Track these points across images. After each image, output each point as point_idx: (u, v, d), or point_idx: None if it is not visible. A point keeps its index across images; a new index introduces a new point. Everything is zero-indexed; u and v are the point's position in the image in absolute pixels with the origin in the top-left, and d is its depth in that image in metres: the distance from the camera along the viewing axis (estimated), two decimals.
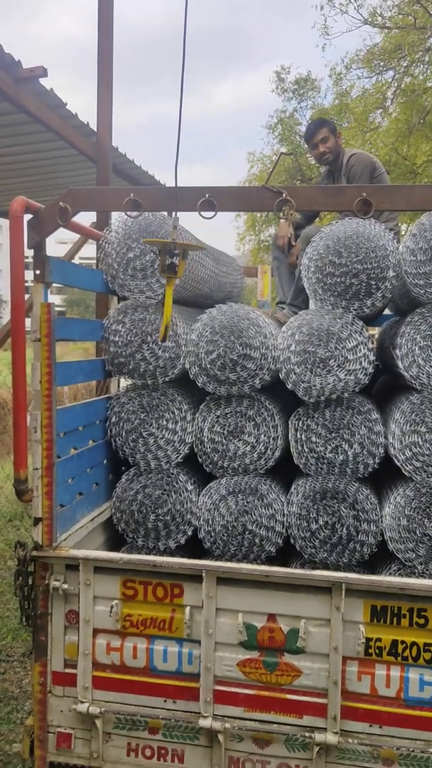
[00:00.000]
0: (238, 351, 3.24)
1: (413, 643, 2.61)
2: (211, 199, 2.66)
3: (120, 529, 3.46)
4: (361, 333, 3.18)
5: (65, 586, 2.82)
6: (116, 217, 3.49)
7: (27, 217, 2.75)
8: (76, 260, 6.74)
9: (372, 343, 3.22)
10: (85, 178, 7.27)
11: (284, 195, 2.63)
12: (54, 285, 3.05)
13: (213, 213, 2.71)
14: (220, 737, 2.71)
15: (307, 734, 2.67)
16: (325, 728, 2.66)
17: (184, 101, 2.58)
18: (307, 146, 5.79)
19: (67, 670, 2.85)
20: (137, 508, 3.43)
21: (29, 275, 2.83)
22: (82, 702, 2.81)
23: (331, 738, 2.64)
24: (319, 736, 2.65)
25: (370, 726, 2.65)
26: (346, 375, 3.15)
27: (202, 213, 2.70)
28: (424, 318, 3.13)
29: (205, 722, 2.71)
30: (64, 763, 2.87)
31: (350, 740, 2.65)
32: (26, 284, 2.82)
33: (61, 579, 2.82)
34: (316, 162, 7.24)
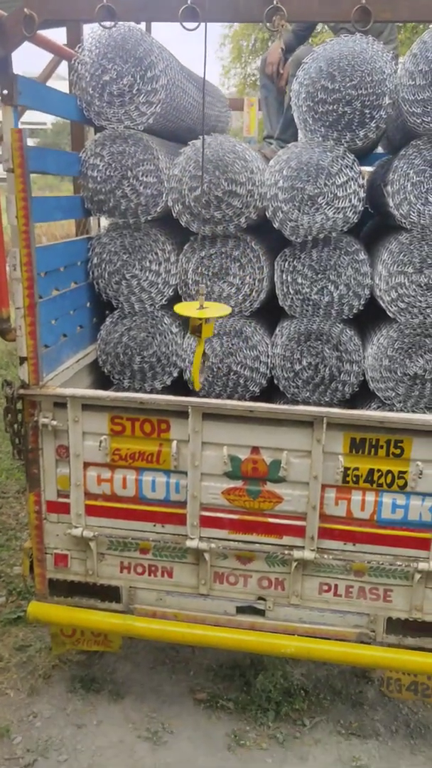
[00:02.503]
0: (224, 187, 3.09)
1: (388, 471, 2.76)
2: (194, 6, 2.39)
3: (106, 371, 3.50)
4: (351, 168, 3.03)
5: (54, 422, 2.89)
6: (89, 33, 3.15)
7: None
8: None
9: (363, 179, 3.08)
10: None
11: (275, 2, 2.37)
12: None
13: (196, 24, 2.45)
14: (206, 555, 2.93)
15: (286, 552, 2.90)
16: (303, 547, 2.88)
17: None
18: None
19: (61, 500, 3.01)
20: (122, 350, 3.44)
21: None
22: (76, 527, 3.00)
23: (308, 554, 2.87)
24: (297, 553, 2.88)
25: (344, 544, 2.88)
26: (334, 213, 3.04)
27: (185, 24, 2.44)
28: (419, 151, 2.98)
29: (191, 543, 2.92)
30: (62, 580, 3.12)
31: (326, 556, 2.89)
32: None
33: (50, 416, 2.89)
34: None
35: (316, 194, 3.02)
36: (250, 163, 3.10)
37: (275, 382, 3.33)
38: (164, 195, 3.21)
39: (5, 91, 2.51)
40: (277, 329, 3.33)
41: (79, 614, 3.10)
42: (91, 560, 3.04)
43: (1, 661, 3.54)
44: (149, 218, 3.27)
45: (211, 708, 3.30)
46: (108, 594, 3.09)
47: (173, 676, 3.51)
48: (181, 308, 2.64)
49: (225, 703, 3.32)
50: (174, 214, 3.20)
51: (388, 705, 3.36)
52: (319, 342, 3.23)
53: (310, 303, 3.21)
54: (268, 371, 3.31)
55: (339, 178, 3.02)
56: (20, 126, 2.66)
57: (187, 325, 3.38)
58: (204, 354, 2.65)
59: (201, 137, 2.91)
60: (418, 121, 2.93)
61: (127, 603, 3.08)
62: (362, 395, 3.34)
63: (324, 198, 3.02)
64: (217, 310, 2.65)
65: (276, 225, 3.10)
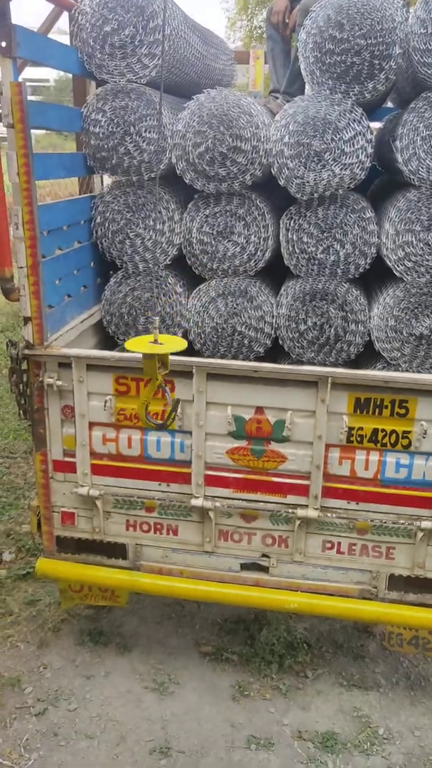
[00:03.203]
0: (228, 143, 3.03)
1: (393, 431, 2.77)
2: None
3: (110, 331, 3.49)
4: (359, 122, 2.95)
5: (59, 383, 2.90)
6: None
7: None
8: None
9: (371, 134, 3.01)
10: None
11: None
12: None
13: None
14: (211, 514, 2.97)
15: (290, 510, 2.93)
16: (307, 505, 2.91)
17: None
18: None
19: (67, 459, 3.04)
20: (126, 310, 3.43)
21: None
22: (82, 486, 3.04)
23: (311, 513, 2.90)
24: (301, 512, 2.91)
25: (348, 503, 2.91)
26: (341, 169, 2.98)
27: None
28: (430, 104, 2.90)
29: (196, 502, 2.96)
30: (69, 537, 3.17)
31: (329, 515, 2.92)
32: None
33: (55, 376, 2.90)
34: None
35: (323, 150, 2.95)
36: (255, 117, 3.03)
37: (280, 342, 3.31)
38: (168, 151, 3.15)
39: (3, 43, 2.44)
40: (282, 289, 3.30)
41: (87, 570, 3.16)
42: (98, 518, 3.09)
43: (12, 615, 3.63)
44: (153, 176, 3.21)
45: (216, 660, 3.39)
46: (114, 551, 3.14)
47: (179, 630, 3.60)
48: (132, 344, 2.26)
49: (229, 655, 3.41)
50: (178, 171, 3.14)
51: (389, 658, 3.44)
52: (325, 302, 3.20)
53: (316, 262, 3.17)
54: (272, 331, 3.30)
55: (346, 133, 2.95)
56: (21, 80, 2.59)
57: (193, 286, 3.38)
58: (176, 402, 2.31)
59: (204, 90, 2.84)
60: (430, 72, 2.85)
61: (133, 560, 3.14)
62: (367, 356, 3.32)
63: (331, 154, 2.96)
64: (173, 344, 2.25)
65: (281, 182, 3.05)
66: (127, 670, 3.33)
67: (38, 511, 3.17)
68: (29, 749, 2.91)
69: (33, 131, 2.67)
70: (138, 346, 2.22)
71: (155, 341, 2.21)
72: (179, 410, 2.85)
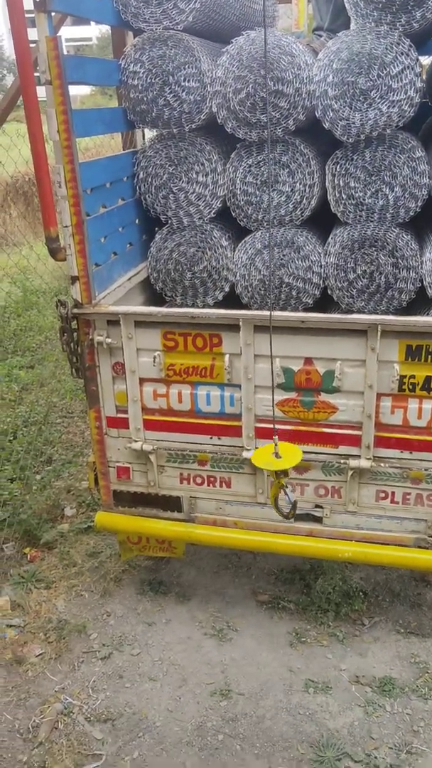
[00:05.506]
0: (270, 87, 2.93)
1: None
2: None
3: (158, 288, 3.50)
4: (407, 54, 2.80)
5: (108, 340, 2.94)
6: None
7: None
8: None
9: (420, 66, 2.85)
10: None
11: None
12: None
13: None
14: None
15: (342, 461, 2.92)
16: (359, 455, 2.89)
17: None
18: None
19: (120, 415, 3.10)
20: (173, 266, 3.42)
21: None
22: (135, 441, 3.10)
23: (364, 463, 2.88)
24: (353, 462, 2.90)
25: (401, 452, 2.87)
26: (389, 107, 2.85)
27: None
28: None
29: (248, 454, 2.98)
30: (125, 491, 3.26)
31: (382, 464, 2.89)
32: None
33: (104, 334, 2.94)
34: None
35: (369, 87, 2.82)
36: (297, 58, 2.92)
37: (329, 292, 3.25)
38: (208, 100, 3.07)
39: None
40: (330, 237, 3.21)
41: (143, 522, 3.26)
42: (152, 472, 3.15)
43: (75, 567, 3.79)
44: (194, 126, 3.15)
45: (273, 609, 3.46)
46: (169, 504, 3.22)
47: (236, 579, 3.68)
48: (257, 459, 2.52)
49: (286, 604, 3.47)
50: (219, 120, 3.08)
51: None
52: (374, 249, 3.10)
53: (364, 207, 3.07)
54: (321, 282, 3.23)
55: (393, 67, 2.80)
56: (64, 43, 2.56)
57: (239, 239, 3.34)
58: (295, 502, 2.54)
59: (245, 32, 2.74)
60: None
61: (188, 512, 3.21)
62: (419, 303, 3.22)
63: (377, 91, 2.83)
64: (292, 457, 2.46)
65: (326, 125, 2.94)
66: (187, 618, 3.44)
67: (95, 467, 3.26)
68: (96, 690, 3.06)
69: (78, 93, 2.65)
70: (261, 462, 2.46)
71: (276, 454, 2.43)
72: (228, 363, 2.86)
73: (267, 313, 2.88)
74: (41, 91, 2.62)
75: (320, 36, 3.73)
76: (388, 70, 2.80)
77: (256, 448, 2.97)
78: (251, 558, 3.80)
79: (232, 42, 3.01)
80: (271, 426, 2.91)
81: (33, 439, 4.69)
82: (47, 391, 5.54)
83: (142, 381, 3.01)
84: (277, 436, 2.50)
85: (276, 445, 2.43)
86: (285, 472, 2.45)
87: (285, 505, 2.55)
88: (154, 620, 3.43)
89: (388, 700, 2.95)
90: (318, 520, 3.08)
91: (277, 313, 2.82)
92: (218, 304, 3.45)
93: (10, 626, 3.39)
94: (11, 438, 4.69)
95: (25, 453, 4.49)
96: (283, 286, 3.27)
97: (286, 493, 2.50)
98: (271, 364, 2.63)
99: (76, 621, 3.42)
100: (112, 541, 3.85)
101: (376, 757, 2.70)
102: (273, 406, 2.71)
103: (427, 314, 3.15)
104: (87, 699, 3.02)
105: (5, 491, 4.13)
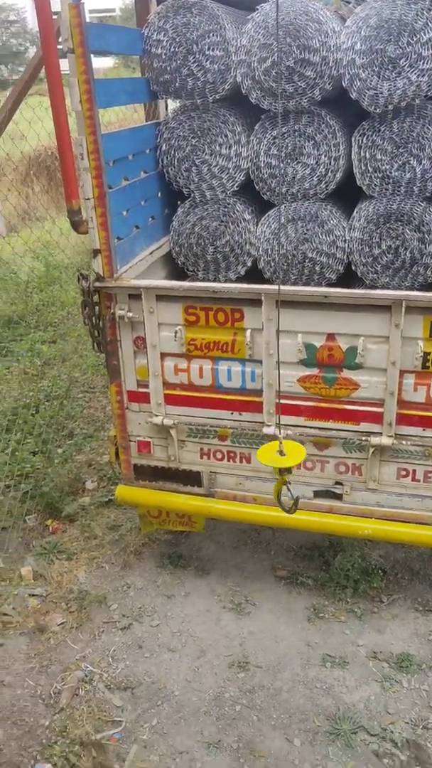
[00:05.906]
0: (295, 55, 2.87)
1: None
2: None
3: (180, 262, 3.48)
4: None
5: (130, 314, 2.94)
6: None
7: None
8: None
9: None
10: None
11: None
12: None
13: None
14: None
15: (363, 438, 2.90)
16: (381, 433, 2.87)
17: None
18: None
19: (141, 390, 3.11)
20: (195, 240, 3.39)
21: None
22: (156, 415, 3.11)
23: (385, 440, 2.86)
24: (374, 440, 2.87)
25: (424, 430, 2.84)
26: (418, 76, 2.77)
27: None
28: None
29: (268, 430, 2.97)
30: (146, 465, 3.28)
31: (404, 442, 2.87)
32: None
33: (126, 308, 2.93)
34: None
35: (398, 55, 2.75)
36: (324, 25, 2.84)
37: (353, 268, 3.20)
38: (232, 69, 3.02)
39: None
40: (355, 211, 3.16)
41: (164, 496, 3.28)
42: (173, 447, 3.16)
43: (96, 539, 3.84)
44: (217, 97, 3.10)
45: (292, 584, 3.48)
46: (190, 478, 3.23)
47: (255, 555, 3.70)
48: (262, 455, 2.50)
49: (305, 580, 3.48)
50: (243, 91, 3.02)
51: None
52: (400, 223, 3.04)
53: (390, 180, 3.01)
54: (345, 257, 3.18)
55: (424, 34, 2.72)
56: (88, 14, 2.52)
57: (262, 212, 3.30)
58: (297, 498, 2.56)
59: None
60: None
61: (208, 487, 3.22)
62: None
63: (407, 59, 2.75)
64: (296, 455, 2.44)
65: (353, 95, 2.87)
66: (206, 591, 3.47)
67: (116, 441, 3.28)
68: (116, 659, 3.11)
69: (101, 66, 2.62)
70: (266, 459, 2.44)
71: (280, 452, 2.41)
72: (249, 338, 2.84)
73: (290, 287, 2.85)
74: (63, 65, 2.59)
75: (348, 2, 3.62)
76: (418, 37, 2.72)
77: (277, 424, 2.96)
78: (270, 534, 3.81)
79: (257, 9, 2.94)
80: (292, 403, 2.91)
81: (55, 413, 4.74)
82: (69, 365, 5.57)
83: (163, 355, 3.01)
84: (282, 435, 2.49)
85: (281, 442, 2.42)
86: (289, 470, 2.45)
87: (287, 501, 2.55)
88: (173, 593, 3.47)
89: (405, 676, 2.96)
90: (338, 497, 3.07)
91: (300, 288, 2.79)
92: (240, 279, 3.42)
93: (33, 595, 3.45)
94: (34, 412, 4.74)
95: (47, 427, 4.53)
96: (306, 261, 3.23)
97: (288, 490, 2.51)
98: (277, 354, 2.60)
99: (96, 592, 3.47)
100: (132, 515, 3.89)
101: (392, 732, 2.72)
102: (279, 403, 2.69)
103: None
104: (107, 667, 3.07)
105: (28, 464, 4.18)
